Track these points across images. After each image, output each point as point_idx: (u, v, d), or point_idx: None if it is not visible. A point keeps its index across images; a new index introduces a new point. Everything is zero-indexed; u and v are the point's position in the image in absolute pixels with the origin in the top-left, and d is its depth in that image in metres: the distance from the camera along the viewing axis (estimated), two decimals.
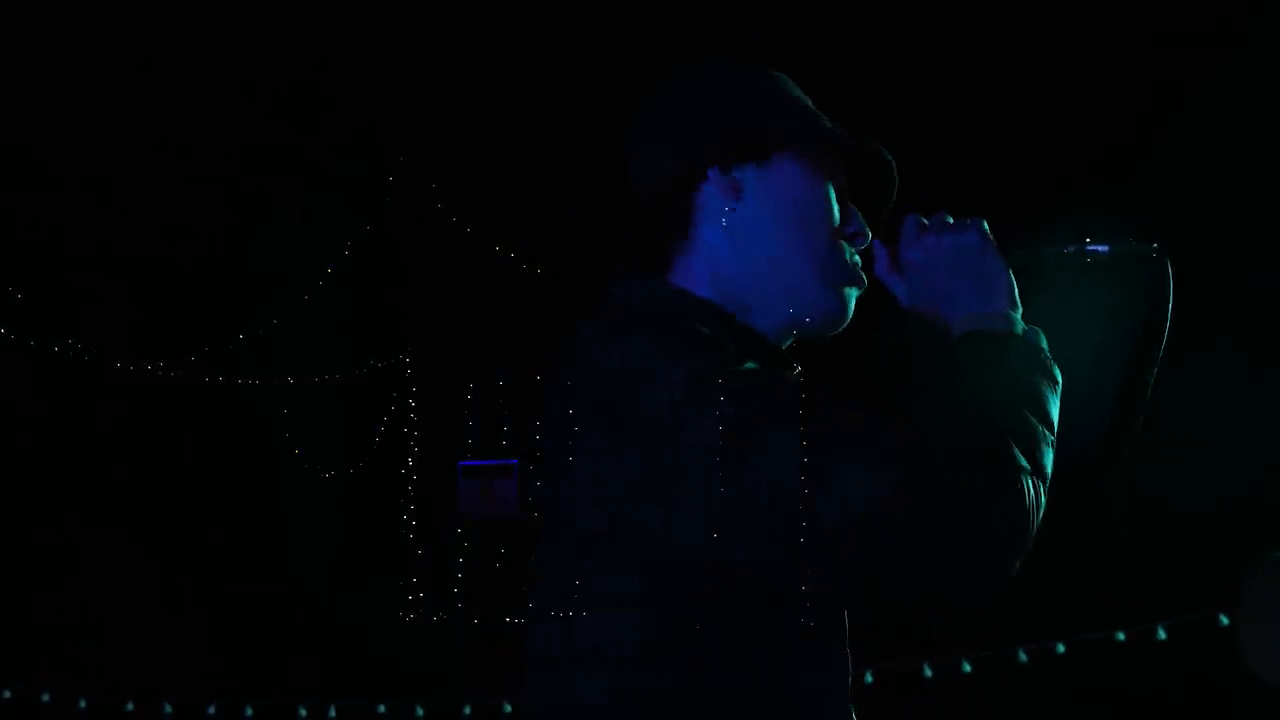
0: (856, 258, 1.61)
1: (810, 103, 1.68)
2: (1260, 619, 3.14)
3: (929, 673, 4.29)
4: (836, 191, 1.63)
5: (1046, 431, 1.48)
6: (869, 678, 4.31)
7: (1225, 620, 3.89)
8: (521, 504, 1.60)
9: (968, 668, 4.27)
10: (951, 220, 1.62)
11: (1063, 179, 4.11)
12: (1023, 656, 4.30)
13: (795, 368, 1.61)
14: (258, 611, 4.73)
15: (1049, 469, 1.45)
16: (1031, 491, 1.41)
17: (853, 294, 1.64)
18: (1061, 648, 4.28)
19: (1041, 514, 1.43)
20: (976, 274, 1.59)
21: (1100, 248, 1.63)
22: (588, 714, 1.42)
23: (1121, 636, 4.22)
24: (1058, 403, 1.52)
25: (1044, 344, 1.55)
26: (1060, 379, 1.54)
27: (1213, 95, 3.99)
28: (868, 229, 1.62)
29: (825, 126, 1.65)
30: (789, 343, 1.63)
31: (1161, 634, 4.17)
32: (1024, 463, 1.41)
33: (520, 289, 4.18)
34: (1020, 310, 1.59)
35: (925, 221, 1.60)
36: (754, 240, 1.64)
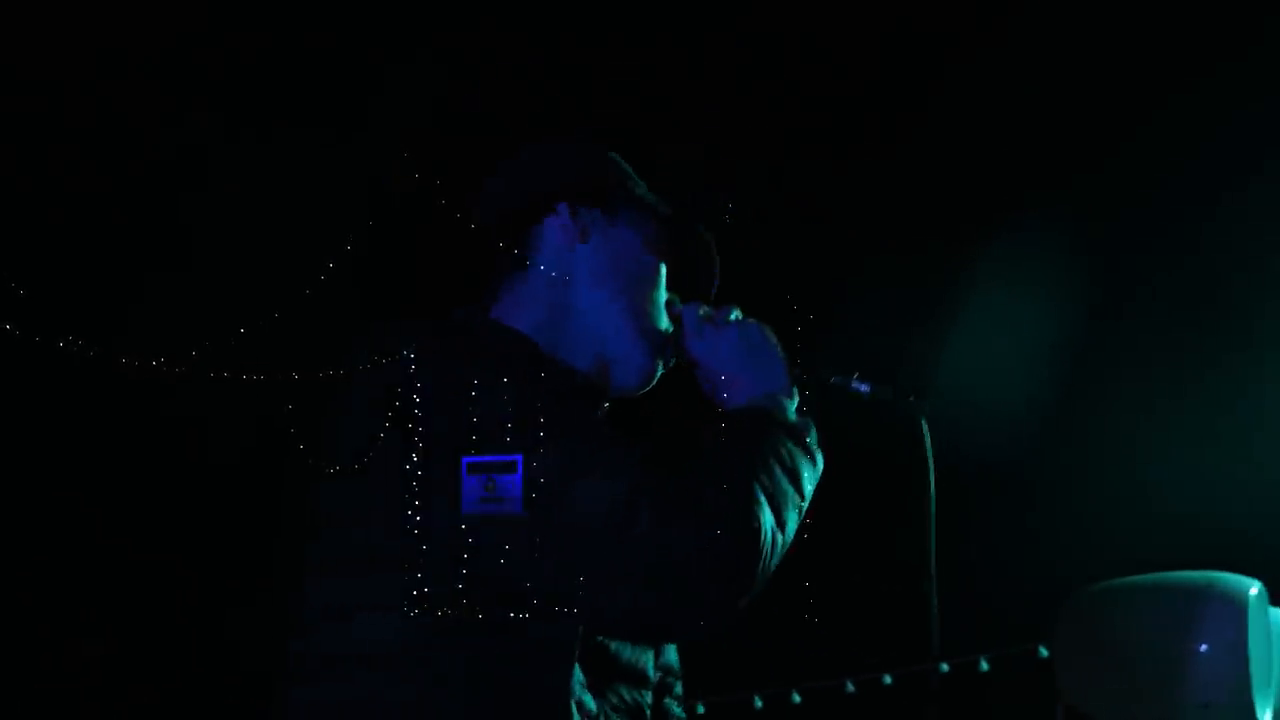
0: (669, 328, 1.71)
1: (645, 188, 1.77)
2: (1075, 650, 3.23)
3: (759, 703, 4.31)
4: (666, 268, 1.72)
5: (797, 497, 1.55)
6: (758, 702, 4.32)
7: (1044, 652, 3.95)
8: (525, 499, 1.59)
9: (797, 698, 4.29)
10: (736, 315, 1.72)
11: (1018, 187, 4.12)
12: (850, 687, 4.33)
13: (600, 405, 1.68)
14: (257, 609, 4.72)
15: (790, 529, 1.53)
16: (768, 539, 1.47)
17: (659, 365, 1.72)
18: (888, 679, 4.30)
19: (774, 563, 1.49)
20: (756, 365, 1.68)
21: (862, 386, 1.75)
22: (358, 712, 1.49)
23: (945, 668, 4.24)
24: (814, 482, 1.61)
25: (813, 435, 1.65)
26: (821, 466, 1.64)
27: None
28: (678, 308, 1.72)
29: (664, 210, 1.74)
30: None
31: (984, 665, 4.22)
32: (767, 512, 1.48)
33: (473, 229, 4.16)
34: (795, 400, 1.69)
35: (707, 313, 1.70)
36: (585, 285, 1.70)
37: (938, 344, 4.28)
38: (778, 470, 1.55)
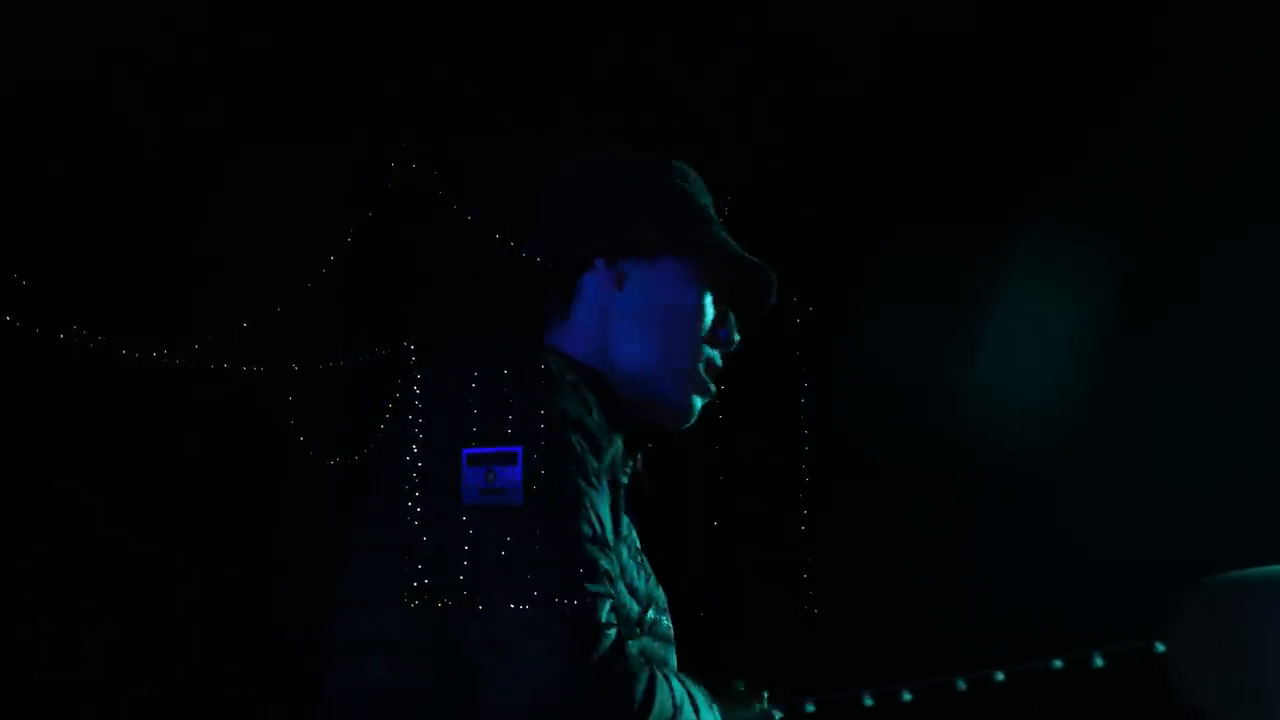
0: (718, 360, 1.71)
1: (708, 204, 1.76)
2: (1191, 646, 3.15)
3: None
4: (714, 295, 1.71)
5: None
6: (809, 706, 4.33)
7: (1160, 648, 3.89)
8: (525, 490, 1.60)
9: (907, 696, 4.27)
10: None
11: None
12: (961, 685, 4.30)
13: (631, 457, 1.68)
14: (257, 605, 4.73)
15: None
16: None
17: (698, 401, 1.73)
18: (1000, 675, 4.28)
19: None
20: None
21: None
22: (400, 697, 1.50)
23: (1059, 664, 4.21)
24: None
25: None
26: None
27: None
28: (736, 334, 1.71)
29: (711, 237, 1.73)
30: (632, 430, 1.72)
31: (1099, 662, 4.18)
32: (662, 694, 1.48)
33: (522, 276, 4.17)
34: None
35: None
36: (626, 330, 1.71)
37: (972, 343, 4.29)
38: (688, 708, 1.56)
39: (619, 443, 1.61)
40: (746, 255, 1.74)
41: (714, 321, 1.76)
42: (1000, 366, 4.27)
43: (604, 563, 1.46)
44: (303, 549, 4.50)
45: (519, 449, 1.57)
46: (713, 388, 1.75)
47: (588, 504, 1.49)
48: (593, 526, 1.49)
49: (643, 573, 1.72)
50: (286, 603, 4.66)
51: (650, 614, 1.67)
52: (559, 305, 1.77)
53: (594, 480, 1.51)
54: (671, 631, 1.75)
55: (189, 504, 4.71)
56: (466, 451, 1.57)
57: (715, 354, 1.76)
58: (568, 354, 1.73)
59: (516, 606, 1.38)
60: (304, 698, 4.54)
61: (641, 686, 1.43)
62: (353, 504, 1.64)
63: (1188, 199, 4.14)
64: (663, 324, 1.74)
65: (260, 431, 4.48)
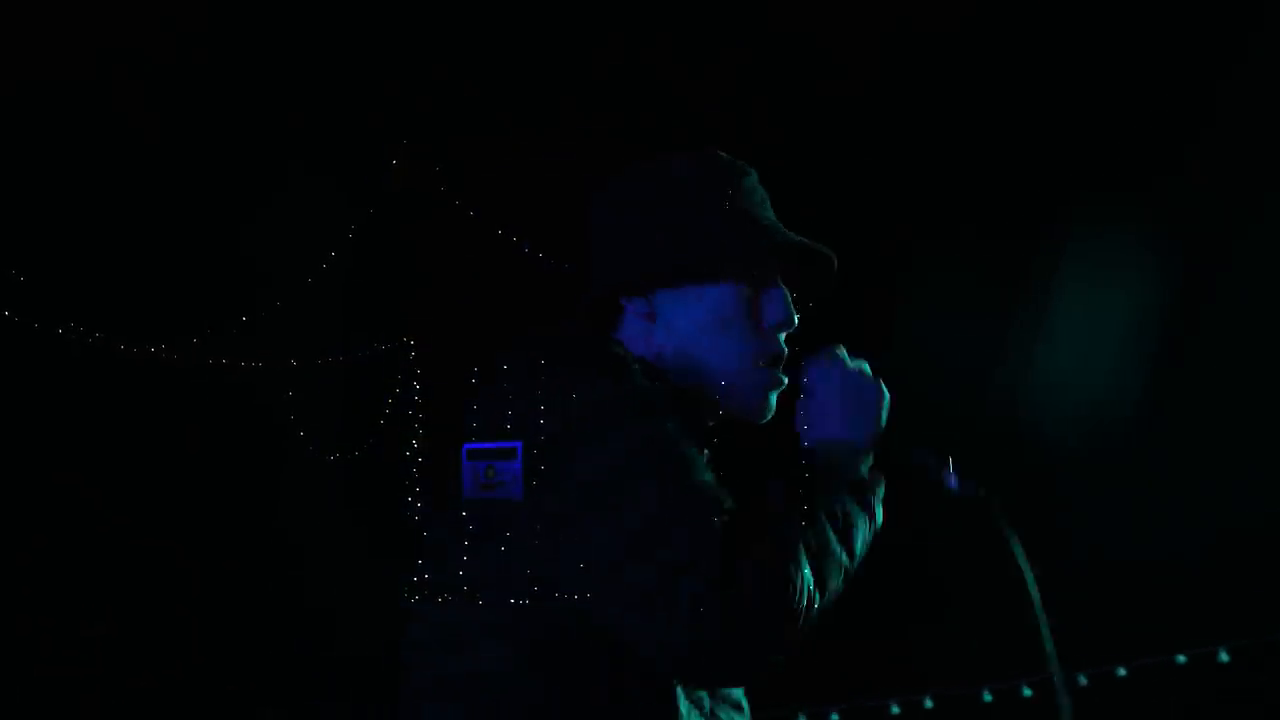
0: (781, 347, 1.71)
1: (755, 203, 1.75)
2: None
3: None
4: (766, 286, 1.71)
5: (844, 556, 1.55)
6: (928, 702, 4.31)
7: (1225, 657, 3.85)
8: (525, 486, 1.62)
9: (1028, 692, 4.24)
10: (844, 355, 1.72)
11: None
12: (1083, 680, 4.28)
13: (706, 441, 1.68)
14: (257, 601, 4.74)
15: (833, 586, 1.52)
16: (803, 596, 1.47)
17: (770, 397, 1.73)
18: (1123, 671, 4.26)
19: (809, 619, 1.50)
20: (845, 410, 1.68)
21: (951, 480, 1.73)
22: (487, 682, 1.52)
23: (1183, 659, 4.19)
24: (866, 537, 1.61)
25: (879, 491, 1.64)
26: (880, 519, 1.63)
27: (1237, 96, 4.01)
28: (794, 315, 1.71)
29: (753, 245, 1.72)
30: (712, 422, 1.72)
31: (1224, 657, 4.15)
32: (805, 574, 1.49)
33: (523, 271, 4.19)
34: (869, 458, 1.68)
35: (828, 353, 1.70)
36: (673, 349, 1.72)
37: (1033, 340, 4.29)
38: (828, 530, 1.56)
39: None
40: (788, 240, 1.74)
41: (768, 311, 1.76)
42: (1060, 366, 4.27)
43: (725, 501, 1.49)
44: (302, 544, 4.52)
45: (517, 444, 1.58)
46: (783, 378, 1.75)
47: (692, 467, 1.52)
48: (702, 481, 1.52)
49: None
50: (286, 599, 4.68)
51: None
52: (608, 329, 1.80)
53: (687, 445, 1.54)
54: None
55: (189, 499, 4.72)
56: (467, 446, 1.60)
57: (777, 342, 1.76)
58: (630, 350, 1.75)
59: (647, 566, 1.42)
60: (304, 697, 4.54)
61: (783, 574, 1.46)
62: (422, 498, 1.66)
63: (1246, 200, 4.14)
64: (708, 334, 1.75)
65: (260, 427, 4.49)
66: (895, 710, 4.37)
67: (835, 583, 1.56)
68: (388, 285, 4.48)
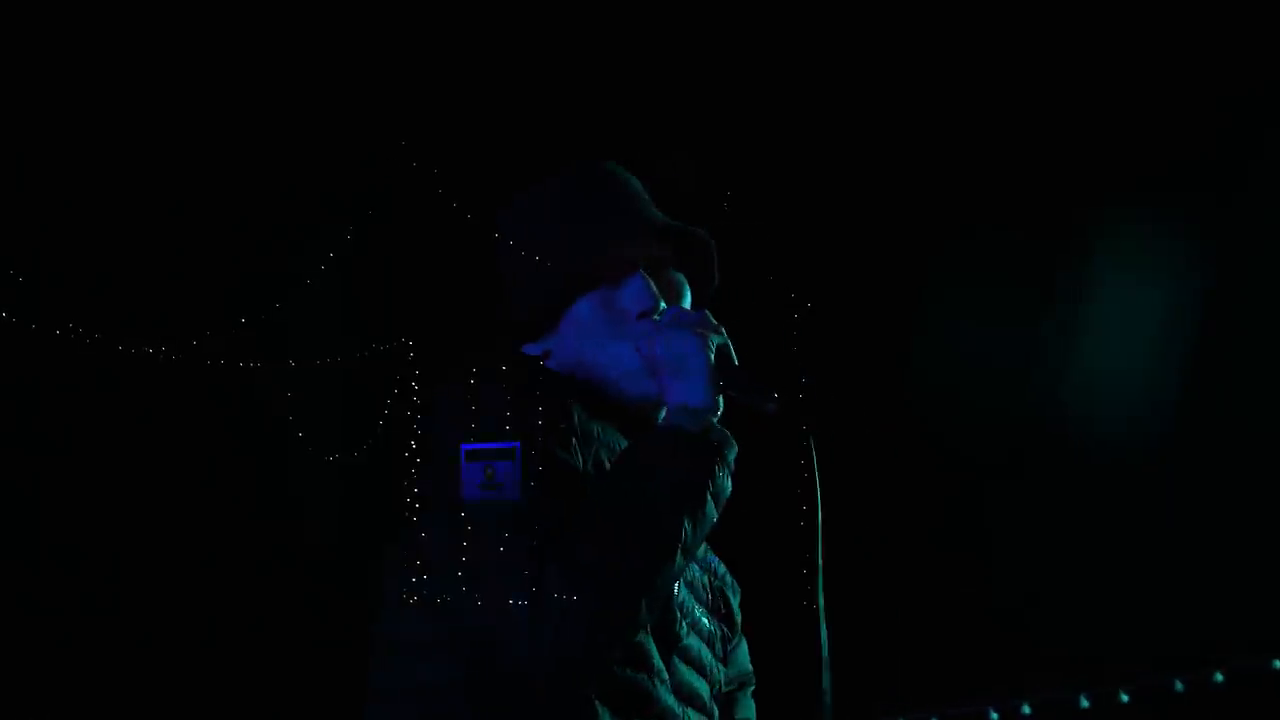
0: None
1: (603, 202, 1.78)
2: None
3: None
4: (620, 280, 1.74)
5: (665, 537, 1.54)
6: (1026, 708, 4.28)
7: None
8: (523, 486, 1.62)
9: (1125, 698, 4.21)
10: (665, 313, 1.73)
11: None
12: (1086, 703, 4.26)
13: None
14: (258, 599, 4.75)
15: (652, 570, 1.51)
16: (605, 584, 1.48)
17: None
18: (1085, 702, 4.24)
19: (623, 614, 1.49)
20: (676, 373, 1.69)
21: (769, 406, 1.72)
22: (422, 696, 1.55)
23: (1180, 687, 4.18)
24: (709, 510, 1.59)
25: (729, 453, 1.63)
26: (726, 487, 1.62)
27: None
28: (656, 296, 1.73)
29: (593, 248, 1.75)
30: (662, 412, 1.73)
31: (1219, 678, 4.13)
32: (626, 563, 1.48)
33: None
34: (718, 410, 1.68)
35: (660, 315, 1.72)
36: (573, 357, 1.75)
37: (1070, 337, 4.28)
38: (653, 518, 1.56)
39: (596, 431, 1.63)
40: (645, 227, 1.75)
41: (628, 304, 1.78)
42: (1102, 366, 4.26)
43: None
44: (303, 541, 4.52)
45: (515, 445, 1.59)
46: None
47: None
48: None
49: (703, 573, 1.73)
50: (285, 599, 4.68)
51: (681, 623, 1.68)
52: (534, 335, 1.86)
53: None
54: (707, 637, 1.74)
55: (189, 499, 4.72)
56: (465, 447, 1.61)
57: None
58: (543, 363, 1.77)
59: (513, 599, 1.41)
60: (302, 695, 4.54)
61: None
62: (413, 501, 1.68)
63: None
64: (591, 351, 1.78)
65: (257, 428, 4.49)
66: (994, 716, 4.34)
67: (654, 563, 1.55)
68: (386, 287, 4.48)
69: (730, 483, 1.64)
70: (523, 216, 1.82)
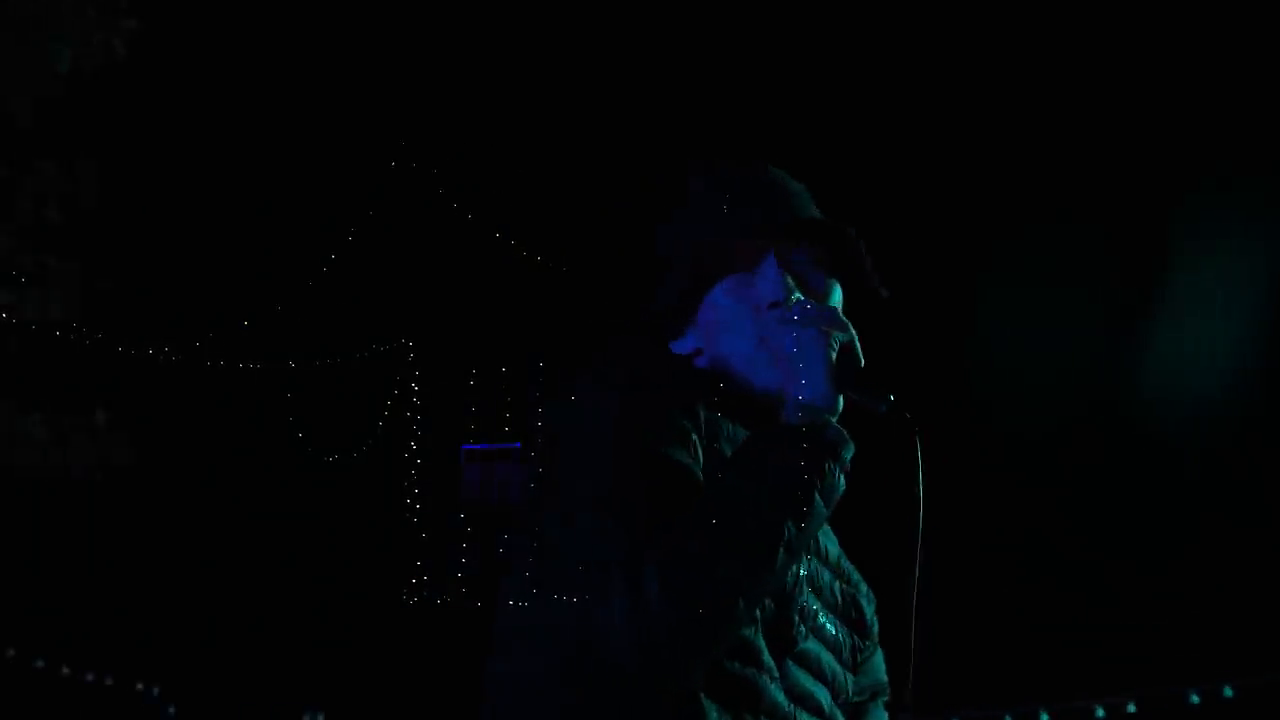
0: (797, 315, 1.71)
1: (748, 197, 1.75)
2: None
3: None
4: (753, 269, 1.71)
5: (766, 536, 1.51)
6: (1131, 706, 4.23)
7: None
8: (523, 487, 1.62)
9: (1229, 692, 4.15)
10: (800, 307, 1.69)
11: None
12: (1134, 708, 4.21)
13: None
14: (258, 598, 4.74)
15: (752, 568, 1.49)
16: (708, 589, 1.46)
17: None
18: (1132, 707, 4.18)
19: (720, 611, 1.47)
20: (796, 369, 1.66)
21: (880, 406, 1.69)
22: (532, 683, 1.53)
23: (1195, 699, 4.13)
24: (818, 507, 1.56)
25: (845, 452, 1.58)
26: (838, 485, 1.57)
27: None
28: (792, 288, 1.69)
29: (729, 238, 1.73)
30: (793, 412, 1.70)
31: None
32: (725, 561, 1.46)
33: (522, 274, 4.20)
34: (837, 408, 1.63)
35: (787, 306, 1.68)
36: (709, 352, 1.74)
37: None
38: (759, 521, 1.54)
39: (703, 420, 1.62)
40: (815, 229, 1.73)
41: (761, 296, 1.76)
42: (1175, 367, 4.22)
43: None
44: (303, 541, 4.51)
45: (516, 445, 1.59)
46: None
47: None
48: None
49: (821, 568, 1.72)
50: (284, 599, 4.67)
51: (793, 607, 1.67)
52: (670, 333, 1.87)
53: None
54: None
55: (187, 500, 4.71)
56: (465, 448, 1.62)
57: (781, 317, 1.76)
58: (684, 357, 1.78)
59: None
60: (300, 695, 4.53)
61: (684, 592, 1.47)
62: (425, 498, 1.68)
63: None
64: (725, 343, 1.77)
65: (261, 427, 4.48)
66: (1100, 713, 4.30)
67: (759, 564, 1.53)
68: (388, 287, 4.48)
69: (844, 481, 1.62)
70: (676, 208, 1.80)
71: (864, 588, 1.72)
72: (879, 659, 1.74)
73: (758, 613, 1.59)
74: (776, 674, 1.56)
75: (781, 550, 1.49)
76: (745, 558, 1.49)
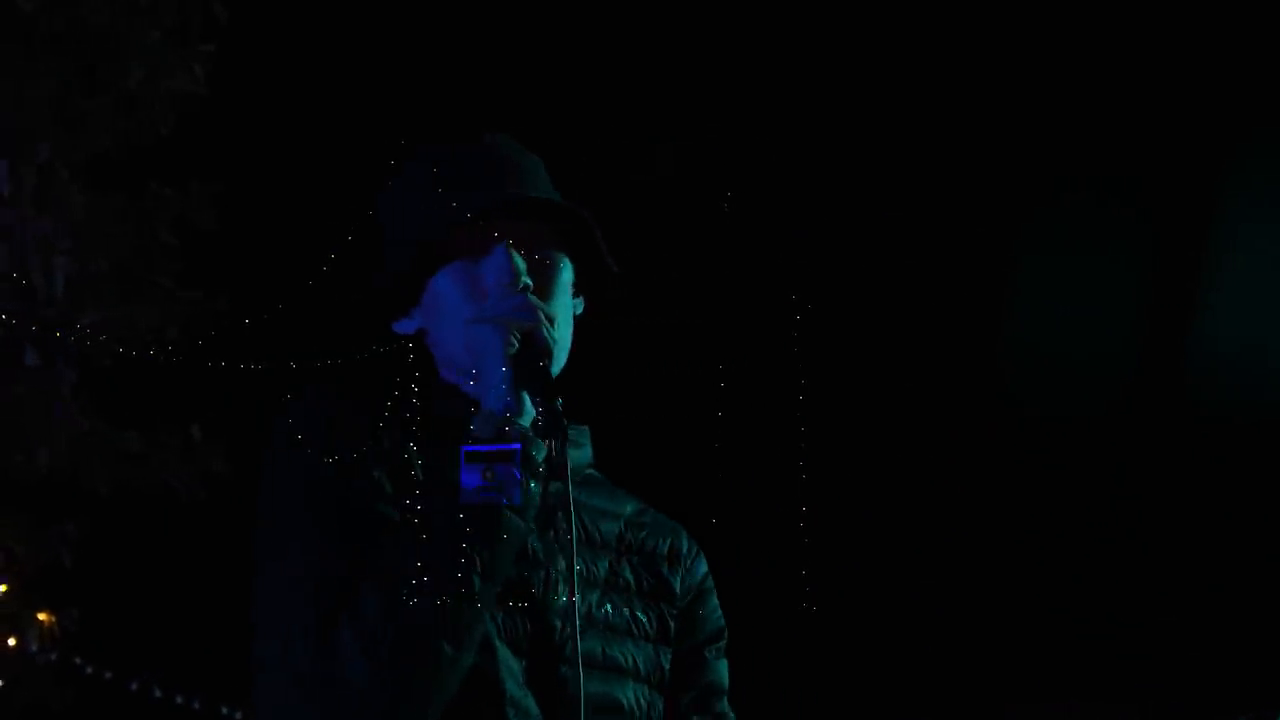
0: (520, 298, 1.66)
1: (463, 175, 1.71)
2: None
3: None
4: (480, 251, 1.66)
5: (446, 597, 1.49)
6: None
7: None
8: (523, 488, 1.59)
9: None
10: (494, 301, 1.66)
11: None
12: None
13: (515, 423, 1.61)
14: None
15: (435, 632, 1.46)
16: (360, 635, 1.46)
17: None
18: None
19: (402, 675, 1.46)
20: (480, 370, 1.62)
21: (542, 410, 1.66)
22: None
23: None
24: (498, 549, 1.52)
25: (535, 453, 1.54)
26: (526, 500, 1.53)
27: None
28: (518, 266, 1.64)
29: (437, 221, 1.69)
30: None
31: None
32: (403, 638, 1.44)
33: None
34: (519, 412, 1.59)
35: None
36: (433, 333, 1.71)
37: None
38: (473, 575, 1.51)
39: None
40: (485, 203, 1.70)
41: (488, 276, 1.72)
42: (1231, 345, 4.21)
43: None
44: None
45: (516, 446, 1.56)
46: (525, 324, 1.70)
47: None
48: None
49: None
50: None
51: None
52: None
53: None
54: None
55: (188, 499, 4.71)
56: (465, 449, 1.58)
57: (507, 296, 1.72)
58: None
59: None
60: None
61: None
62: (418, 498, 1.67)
63: None
64: (446, 327, 1.73)
65: (252, 431, 4.47)
66: None
67: (435, 625, 1.49)
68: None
69: (538, 484, 1.58)
70: (397, 185, 1.77)
71: (673, 543, 1.63)
72: (709, 607, 1.65)
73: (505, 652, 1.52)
74: (522, 701, 1.50)
75: (470, 603, 1.44)
76: (426, 626, 1.45)
